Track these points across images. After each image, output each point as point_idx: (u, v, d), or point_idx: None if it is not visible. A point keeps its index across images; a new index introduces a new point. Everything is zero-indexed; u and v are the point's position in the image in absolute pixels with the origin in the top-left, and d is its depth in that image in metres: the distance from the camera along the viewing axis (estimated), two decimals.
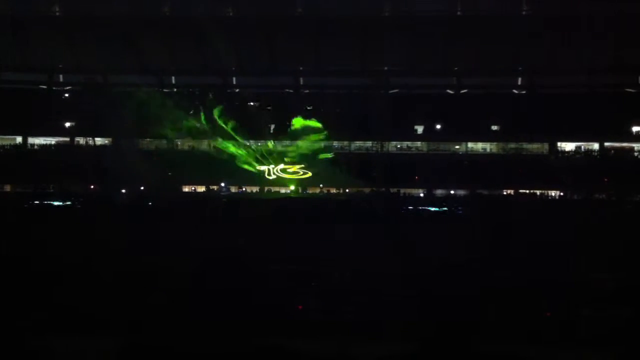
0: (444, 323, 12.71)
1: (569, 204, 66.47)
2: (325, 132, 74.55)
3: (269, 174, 74.93)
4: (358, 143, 79.63)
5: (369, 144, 79.31)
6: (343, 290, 17.87)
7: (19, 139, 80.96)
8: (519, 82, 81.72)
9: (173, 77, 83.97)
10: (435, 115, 77.34)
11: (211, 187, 76.93)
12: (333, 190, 75.68)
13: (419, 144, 79.62)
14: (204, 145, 77.62)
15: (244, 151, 74.46)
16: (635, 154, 75.76)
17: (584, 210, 55.38)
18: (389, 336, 12.78)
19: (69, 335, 12.50)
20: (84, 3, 76.83)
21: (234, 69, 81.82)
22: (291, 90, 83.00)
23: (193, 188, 77.62)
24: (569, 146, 77.13)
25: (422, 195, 73.61)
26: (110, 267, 20.57)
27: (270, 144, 75.56)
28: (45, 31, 78.14)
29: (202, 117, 74.45)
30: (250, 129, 73.76)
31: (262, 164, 74.86)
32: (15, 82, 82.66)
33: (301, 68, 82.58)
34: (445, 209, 61.27)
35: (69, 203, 62.50)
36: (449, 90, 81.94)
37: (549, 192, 73.17)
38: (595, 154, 75.96)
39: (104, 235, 30.59)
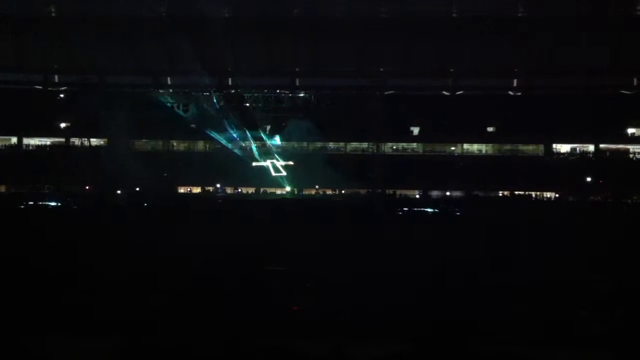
0: (442, 322, 12.72)
1: (565, 205, 66.70)
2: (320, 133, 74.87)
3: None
4: (354, 144, 79.77)
5: (365, 145, 79.45)
6: (341, 290, 17.86)
7: (14, 140, 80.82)
8: (514, 84, 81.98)
9: (169, 78, 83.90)
10: (431, 117, 77.54)
11: (207, 188, 76.98)
12: (329, 192, 75.77)
13: (414, 145, 79.83)
14: (199, 146, 77.52)
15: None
16: (631, 155, 76.11)
17: (580, 212, 55.55)
18: (386, 336, 12.77)
19: (69, 335, 12.46)
20: (80, 3, 76.60)
21: (229, 69, 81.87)
22: (288, 92, 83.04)
23: (189, 189, 77.64)
24: (564, 148, 77.42)
25: (417, 196, 73.73)
26: (109, 267, 20.51)
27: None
28: (41, 31, 77.87)
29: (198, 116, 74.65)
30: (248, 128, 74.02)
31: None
32: (11, 82, 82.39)
33: (297, 69, 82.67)
34: (441, 209, 61.32)
35: (62, 204, 62.28)
36: (444, 92, 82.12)
37: (545, 193, 73.42)
38: (591, 155, 76.25)
39: (98, 235, 30.56)
